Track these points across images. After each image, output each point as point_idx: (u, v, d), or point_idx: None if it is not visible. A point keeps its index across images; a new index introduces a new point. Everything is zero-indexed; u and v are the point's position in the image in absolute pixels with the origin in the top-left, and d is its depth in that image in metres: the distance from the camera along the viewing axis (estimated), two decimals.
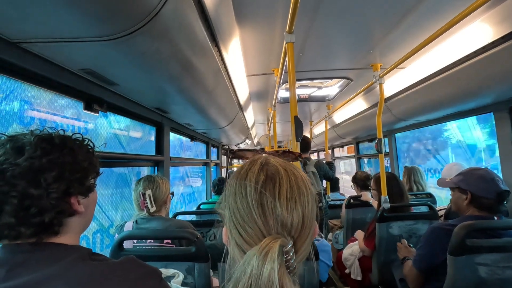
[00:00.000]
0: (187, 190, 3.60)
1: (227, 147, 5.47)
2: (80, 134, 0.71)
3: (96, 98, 1.33)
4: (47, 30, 0.80)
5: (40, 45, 0.87)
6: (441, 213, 2.05)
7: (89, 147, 0.71)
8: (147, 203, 1.40)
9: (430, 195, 2.51)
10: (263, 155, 0.53)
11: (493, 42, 1.41)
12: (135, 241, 1.38)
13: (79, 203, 0.65)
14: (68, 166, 0.63)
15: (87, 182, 0.67)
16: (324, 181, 3.49)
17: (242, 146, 5.38)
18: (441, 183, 1.52)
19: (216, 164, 4.73)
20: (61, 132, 0.67)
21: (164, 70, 1.20)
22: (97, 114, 1.36)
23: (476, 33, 1.48)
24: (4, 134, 0.62)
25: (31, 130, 0.64)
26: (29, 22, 0.75)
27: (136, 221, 1.43)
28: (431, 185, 2.66)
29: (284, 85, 2.60)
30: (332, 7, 1.36)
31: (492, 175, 1.30)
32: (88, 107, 1.29)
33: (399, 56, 1.82)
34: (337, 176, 4.61)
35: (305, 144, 3.10)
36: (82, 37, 0.83)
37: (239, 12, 1.38)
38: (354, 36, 1.70)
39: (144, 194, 1.40)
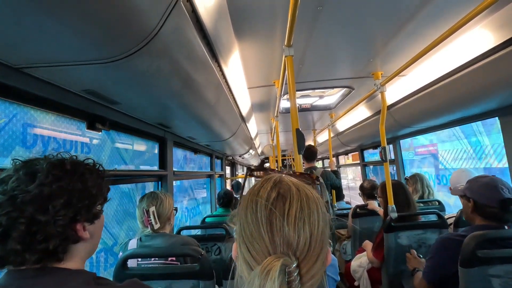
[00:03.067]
0: (193, 200, 3.59)
1: (231, 157, 5.47)
2: (92, 159, 0.72)
3: (99, 117, 1.34)
4: (49, 55, 0.81)
5: (42, 69, 0.89)
6: (450, 221, 2.00)
7: (100, 172, 0.71)
8: (151, 220, 1.39)
9: (438, 203, 2.46)
10: (279, 174, 0.53)
11: (494, 48, 1.41)
12: (139, 259, 1.37)
13: (85, 230, 0.65)
14: (77, 193, 0.63)
15: (95, 209, 0.68)
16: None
17: (246, 156, 5.37)
18: (455, 191, 1.51)
19: (221, 176, 4.72)
20: (74, 158, 0.68)
21: (165, 87, 1.21)
22: (100, 133, 1.37)
23: (476, 39, 1.48)
24: (19, 160, 0.64)
25: (45, 156, 0.66)
26: (31, 48, 0.77)
27: (140, 238, 1.42)
28: (440, 193, 2.62)
29: (286, 95, 2.61)
30: (331, 18, 1.37)
31: (496, 183, 1.27)
32: (91, 126, 1.30)
33: (400, 64, 1.82)
34: (343, 184, 4.56)
35: (311, 154, 3.09)
36: (83, 60, 0.84)
37: (238, 27, 1.40)
38: (353, 45, 1.71)
39: (148, 211, 1.39)
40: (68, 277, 0.61)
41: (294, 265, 0.40)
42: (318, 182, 0.60)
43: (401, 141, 3.43)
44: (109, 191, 0.74)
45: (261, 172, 0.63)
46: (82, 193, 0.64)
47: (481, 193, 1.28)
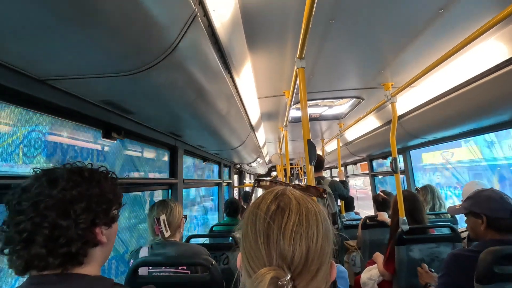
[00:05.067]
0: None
1: (239, 166, 5.48)
2: (105, 167, 0.75)
3: (114, 126, 1.38)
4: (73, 68, 0.85)
5: (65, 82, 0.93)
6: (463, 235, 1.95)
7: (113, 179, 0.74)
8: (161, 228, 1.41)
9: (451, 215, 2.41)
10: (284, 186, 0.53)
11: (508, 60, 1.40)
12: (150, 267, 1.37)
13: (103, 234, 0.68)
14: (95, 197, 0.66)
15: (111, 213, 0.71)
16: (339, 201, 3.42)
17: (254, 165, 5.37)
18: (452, 211, 1.46)
19: (228, 184, 4.72)
20: (89, 166, 0.72)
21: (179, 98, 1.24)
22: (115, 142, 1.40)
23: (491, 50, 1.47)
24: (39, 168, 0.67)
25: (63, 165, 0.69)
26: (58, 61, 0.81)
27: (151, 246, 1.43)
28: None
29: (294, 105, 2.63)
30: (342, 30, 1.39)
31: (499, 194, 1.26)
32: (107, 135, 1.34)
33: (411, 75, 1.82)
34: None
35: (319, 163, 3.07)
36: (105, 73, 0.88)
37: (251, 40, 1.43)
38: (364, 57, 1.72)
39: (158, 219, 1.41)
40: (88, 283, 0.63)
41: (287, 278, 0.40)
42: (325, 195, 0.60)
43: None
44: (122, 197, 0.77)
45: (268, 183, 0.64)
46: (100, 198, 0.67)
47: (491, 206, 1.25)
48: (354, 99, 2.63)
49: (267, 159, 6.64)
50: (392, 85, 2.09)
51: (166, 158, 2.28)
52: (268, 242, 0.43)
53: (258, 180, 0.66)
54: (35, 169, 0.67)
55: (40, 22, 0.64)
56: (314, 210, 0.47)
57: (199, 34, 0.94)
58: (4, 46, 0.72)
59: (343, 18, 1.28)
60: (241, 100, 1.91)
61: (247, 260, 0.45)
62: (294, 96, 1.78)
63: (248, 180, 7.86)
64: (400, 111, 2.38)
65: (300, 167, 8.42)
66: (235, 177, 5.89)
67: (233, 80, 1.56)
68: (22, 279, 0.62)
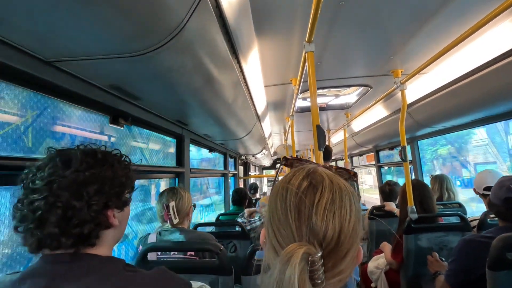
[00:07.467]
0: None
1: (244, 157, 5.48)
2: (118, 150, 0.74)
3: (122, 113, 1.37)
4: (80, 48, 0.84)
5: (72, 63, 0.92)
6: (473, 224, 1.93)
7: (126, 163, 0.74)
8: (170, 214, 1.41)
9: (459, 205, 2.38)
10: (314, 165, 0.51)
11: None
12: (159, 253, 1.38)
13: (115, 217, 0.67)
14: (108, 180, 0.66)
15: (124, 197, 0.70)
16: None
17: (259, 156, 5.37)
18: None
19: (234, 175, 4.74)
20: (103, 148, 0.71)
21: (186, 84, 1.23)
22: (122, 128, 1.40)
23: (504, 34, 1.42)
24: (54, 148, 0.66)
25: (77, 146, 0.69)
26: (64, 41, 0.80)
27: (160, 232, 1.44)
28: (462, 197, 2.53)
29: (301, 94, 2.59)
30: (352, 13, 1.35)
31: (508, 182, 1.25)
32: (115, 121, 1.34)
33: (421, 62, 1.77)
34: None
35: (327, 153, 3.04)
36: (111, 54, 0.87)
37: (259, 24, 1.40)
38: (373, 43, 1.68)
39: (167, 206, 1.41)
40: (100, 263, 0.62)
41: (318, 255, 0.39)
42: (355, 179, 0.58)
43: None
44: (135, 181, 0.76)
45: (297, 162, 0.61)
46: (113, 181, 0.66)
47: (493, 192, 1.30)
48: (362, 87, 2.59)
49: (272, 151, 6.63)
50: (401, 72, 2.04)
51: (173, 150, 2.28)
52: (299, 217, 0.42)
53: (286, 159, 0.63)
54: (49, 149, 0.66)
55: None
56: (346, 189, 0.46)
57: (207, 14, 0.92)
58: (11, 23, 0.71)
59: (353, 0, 1.24)
60: (247, 88, 1.88)
61: (274, 236, 0.44)
62: (301, 83, 1.75)
63: (253, 172, 7.87)
64: (408, 99, 2.33)
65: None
66: (241, 168, 5.89)
67: (240, 66, 1.54)
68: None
